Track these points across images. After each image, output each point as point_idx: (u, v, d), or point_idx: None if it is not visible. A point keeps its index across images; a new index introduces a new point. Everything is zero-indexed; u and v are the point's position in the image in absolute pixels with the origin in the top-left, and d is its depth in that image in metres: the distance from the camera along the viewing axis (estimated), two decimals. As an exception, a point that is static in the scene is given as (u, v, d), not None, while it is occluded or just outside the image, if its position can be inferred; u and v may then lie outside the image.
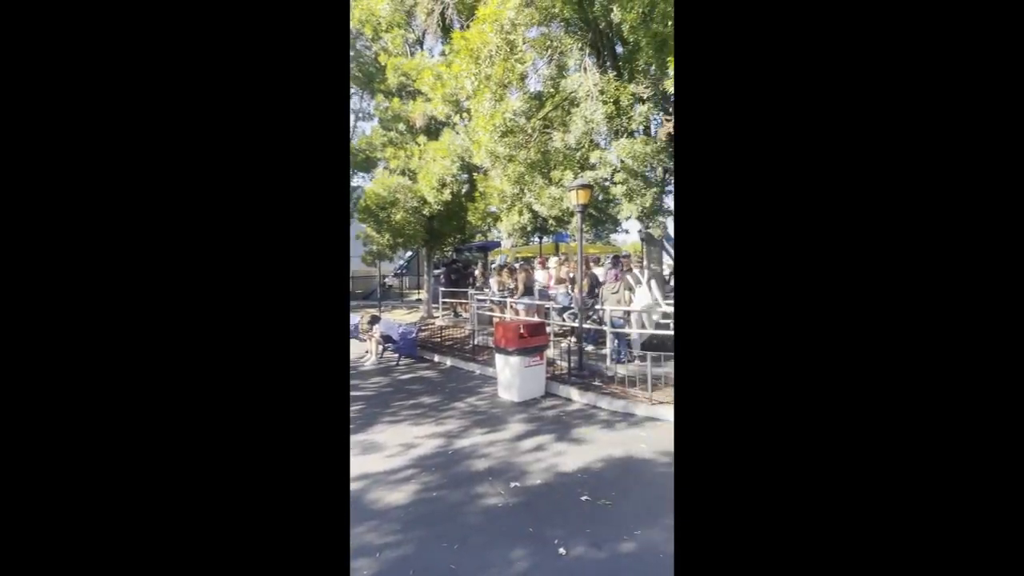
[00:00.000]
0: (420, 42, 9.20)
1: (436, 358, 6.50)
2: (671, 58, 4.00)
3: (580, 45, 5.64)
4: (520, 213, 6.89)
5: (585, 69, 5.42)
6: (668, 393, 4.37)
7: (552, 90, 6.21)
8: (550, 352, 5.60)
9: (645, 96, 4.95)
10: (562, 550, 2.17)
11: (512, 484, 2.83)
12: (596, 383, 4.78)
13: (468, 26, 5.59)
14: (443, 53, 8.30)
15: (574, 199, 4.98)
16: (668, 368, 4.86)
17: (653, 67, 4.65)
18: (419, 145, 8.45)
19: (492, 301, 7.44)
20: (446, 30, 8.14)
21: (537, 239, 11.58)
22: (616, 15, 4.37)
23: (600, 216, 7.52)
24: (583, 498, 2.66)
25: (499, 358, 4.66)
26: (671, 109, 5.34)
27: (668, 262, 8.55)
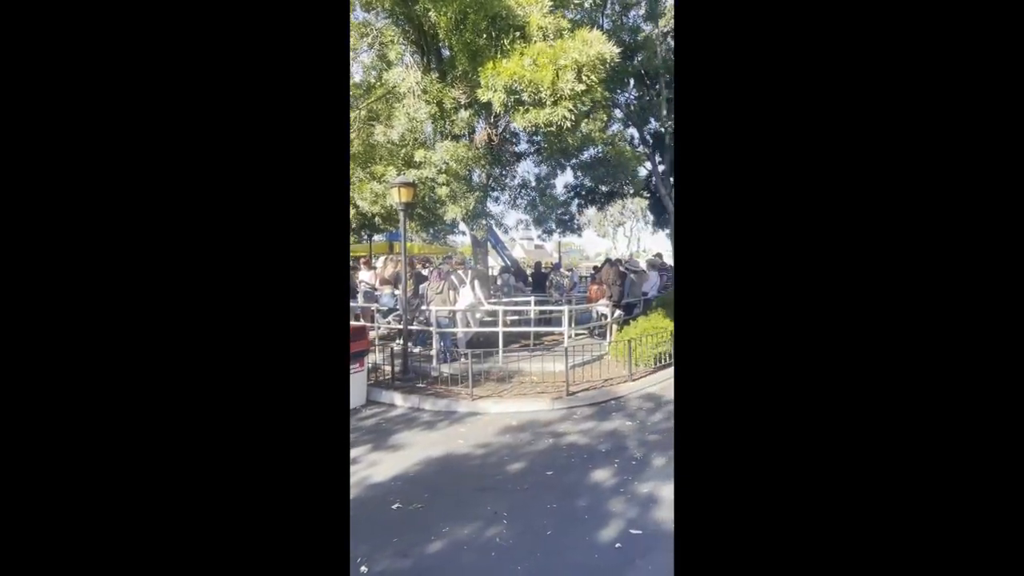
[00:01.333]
0: None
1: (235, 374, 5.49)
2: (482, 68, 4.22)
3: (403, 40, 5.50)
4: (341, 208, 6.36)
5: (408, 66, 5.31)
6: (489, 388, 4.60)
7: (375, 81, 5.91)
8: (375, 357, 5.32)
9: (463, 102, 5.12)
10: (364, 568, 2.04)
11: (315, 508, 2.55)
12: (420, 385, 4.72)
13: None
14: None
15: (396, 197, 4.82)
16: (490, 363, 5.13)
17: (471, 75, 4.83)
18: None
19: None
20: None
21: (367, 237, 10.93)
22: (433, 17, 4.39)
23: (429, 217, 7.50)
24: (394, 506, 2.57)
25: (311, 368, 4.18)
26: (490, 118, 5.66)
27: (492, 263, 9.07)
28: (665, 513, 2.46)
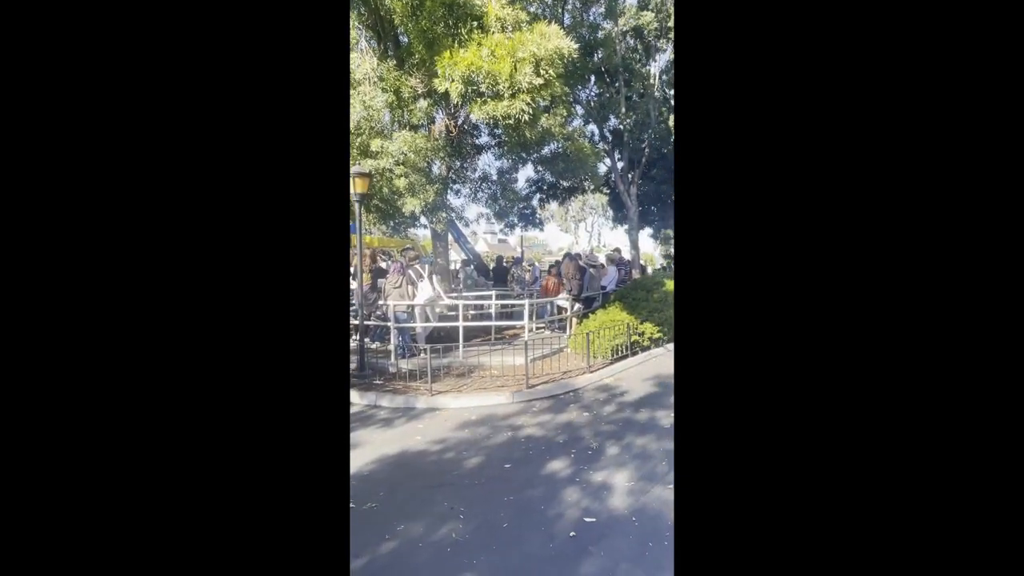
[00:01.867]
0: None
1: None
2: (438, 57, 4.12)
3: (359, 24, 5.28)
4: (293, 199, 6.06)
5: (363, 52, 5.11)
6: (449, 383, 4.56)
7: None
8: (330, 354, 5.13)
9: (420, 91, 4.99)
10: (312, 573, 1.97)
11: (261, 512, 2.44)
12: (378, 381, 4.61)
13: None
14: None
15: (351, 187, 4.64)
16: (450, 358, 5.08)
17: (428, 63, 4.72)
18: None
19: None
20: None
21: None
22: (389, 1, 4.24)
23: (388, 209, 7.29)
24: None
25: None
26: (449, 109, 5.55)
27: (454, 256, 8.97)
28: (618, 500, 2.53)
